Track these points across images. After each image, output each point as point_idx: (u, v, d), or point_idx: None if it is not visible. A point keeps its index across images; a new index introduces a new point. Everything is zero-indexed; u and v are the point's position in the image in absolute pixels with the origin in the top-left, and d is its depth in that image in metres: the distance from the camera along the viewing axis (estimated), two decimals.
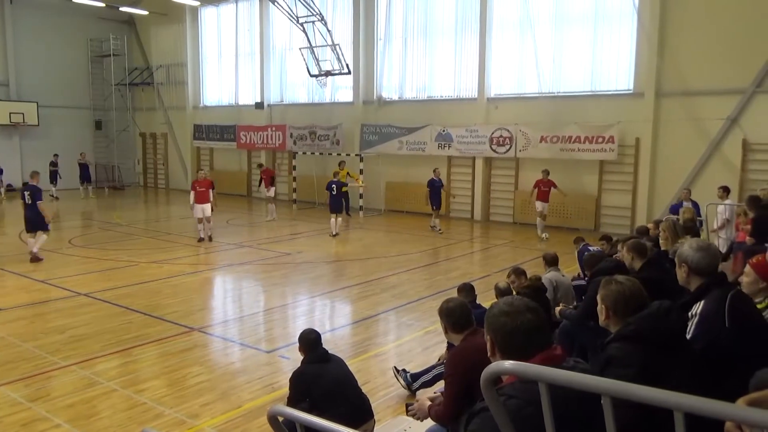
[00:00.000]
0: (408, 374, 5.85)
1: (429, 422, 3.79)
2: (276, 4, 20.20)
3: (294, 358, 5.80)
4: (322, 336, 4.97)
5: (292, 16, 20.17)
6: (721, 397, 1.64)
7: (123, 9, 25.72)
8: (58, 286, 10.03)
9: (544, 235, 15.16)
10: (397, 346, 7.52)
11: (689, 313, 3.25)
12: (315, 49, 20.37)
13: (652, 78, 15.12)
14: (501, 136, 17.65)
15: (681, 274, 3.47)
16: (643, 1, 15.20)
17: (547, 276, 7.01)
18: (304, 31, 20.15)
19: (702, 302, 3.25)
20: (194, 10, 26.01)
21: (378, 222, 18.56)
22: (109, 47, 27.20)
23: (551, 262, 7.39)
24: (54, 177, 23.55)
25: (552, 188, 15.21)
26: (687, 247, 3.47)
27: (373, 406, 4.87)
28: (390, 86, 20.62)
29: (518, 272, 6.74)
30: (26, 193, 11.97)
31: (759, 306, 3.50)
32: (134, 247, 13.94)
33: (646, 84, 15.28)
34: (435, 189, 16.17)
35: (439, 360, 6.03)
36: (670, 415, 1.52)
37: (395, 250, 13.69)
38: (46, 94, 25.58)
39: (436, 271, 11.98)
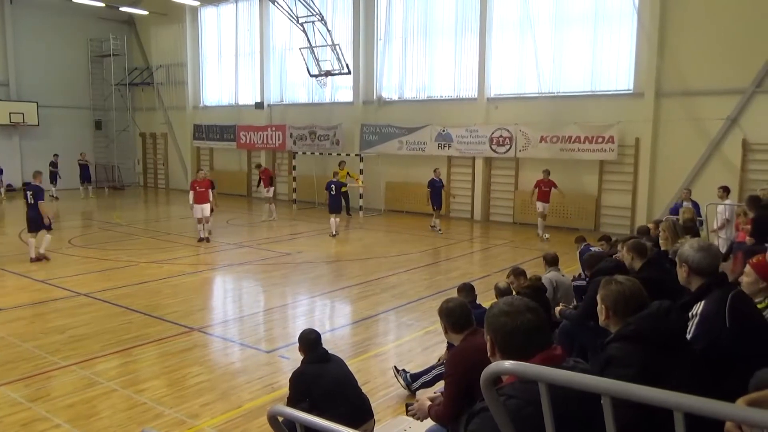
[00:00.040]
0: (408, 374, 5.84)
1: (429, 422, 3.79)
2: (276, 4, 20.20)
3: (294, 358, 5.79)
4: (322, 336, 4.97)
5: (292, 16, 20.16)
6: (721, 397, 1.64)
7: (123, 9, 25.72)
8: (58, 286, 10.03)
9: (545, 236, 15.17)
10: (397, 346, 7.52)
11: (690, 313, 3.25)
12: (315, 49, 20.37)
13: (652, 78, 15.12)
14: (501, 136, 17.65)
15: (682, 274, 3.48)
16: (643, 1, 15.19)
17: (547, 276, 7.01)
18: (304, 31, 20.14)
19: (702, 302, 3.26)
20: (194, 10, 26.00)
21: (378, 222, 18.56)
22: (109, 47, 27.20)
23: (551, 262, 7.40)
24: (54, 177, 23.51)
25: (552, 188, 15.22)
26: (688, 247, 3.47)
27: (373, 406, 4.87)
28: (390, 86, 20.61)
29: (518, 272, 6.76)
30: (29, 193, 11.93)
31: (759, 306, 3.51)
32: (134, 247, 13.94)
33: (646, 84, 15.28)
34: (436, 189, 16.17)
35: (439, 360, 6.02)
36: (670, 415, 1.52)
37: (395, 250, 13.69)
38: (46, 94, 25.58)
39: (436, 271, 11.98)
